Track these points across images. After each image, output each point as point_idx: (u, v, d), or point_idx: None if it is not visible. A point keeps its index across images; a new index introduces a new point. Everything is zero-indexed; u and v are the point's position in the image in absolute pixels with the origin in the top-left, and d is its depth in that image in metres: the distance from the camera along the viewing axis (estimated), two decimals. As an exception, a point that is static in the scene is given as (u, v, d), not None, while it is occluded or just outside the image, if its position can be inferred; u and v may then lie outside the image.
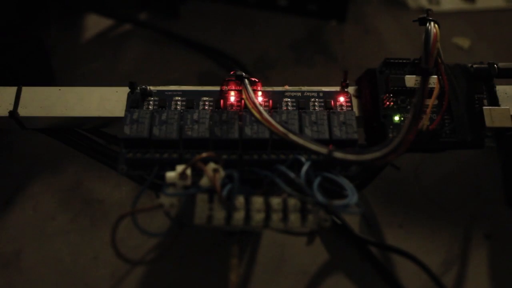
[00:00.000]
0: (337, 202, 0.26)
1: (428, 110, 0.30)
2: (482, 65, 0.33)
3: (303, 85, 0.33)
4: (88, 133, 0.34)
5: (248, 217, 0.26)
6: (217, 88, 0.32)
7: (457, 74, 0.33)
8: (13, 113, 0.32)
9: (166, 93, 0.32)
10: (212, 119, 0.30)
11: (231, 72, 0.31)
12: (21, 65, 0.41)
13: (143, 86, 0.32)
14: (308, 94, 0.33)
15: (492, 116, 0.31)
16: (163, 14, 0.51)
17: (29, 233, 0.34)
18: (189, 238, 0.33)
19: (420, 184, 0.37)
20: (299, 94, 0.33)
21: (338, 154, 0.27)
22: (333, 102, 0.32)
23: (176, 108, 0.31)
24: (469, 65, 0.33)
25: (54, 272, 0.32)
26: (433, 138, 0.31)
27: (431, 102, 0.30)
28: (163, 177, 0.27)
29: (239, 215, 0.26)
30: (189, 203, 0.27)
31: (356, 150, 0.28)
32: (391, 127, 0.31)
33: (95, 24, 0.50)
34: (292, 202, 0.26)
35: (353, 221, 0.34)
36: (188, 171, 0.27)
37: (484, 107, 0.32)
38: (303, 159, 0.28)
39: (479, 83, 0.33)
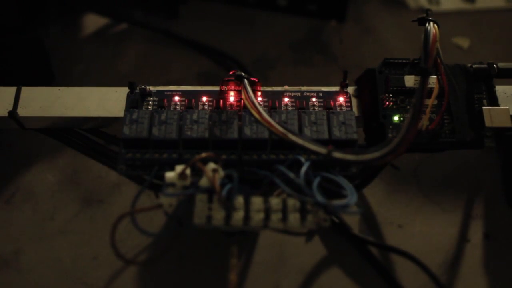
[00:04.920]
0: (337, 202, 0.26)
1: (428, 110, 0.30)
2: (482, 65, 0.33)
3: (303, 85, 0.33)
4: (88, 133, 0.34)
5: (247, 217, 0.26)
6: (217, 88, 0.32)
7: (456, 74, 0.33)
8: (13, 113, 0.32)
9: (165, 93, 0.32)
10: (212, 119, 0.30)
11: (230, 72, 0.31)
12: (21, 65, 0.41)
13: (143, 86, 0.32)
14: (307, 94, 0.33)
15: (492, 116, 0.31)
16: (163, 14, 0.51)
17: (29, 233, 0.34)
18: (188, 238, 0.33)
19: (420, 184, 0.37)
20: (299, 94, 0.33)
21: (338, 154, 0.27)
22: (333, 102, 0.32)
23: (175, 108, 0.31)
24: (469, 65, 0.33)
25: (53, 272, 0.32)
26: (433, 138, 0.31)
27: (430, 102, 0.30)
28: (162, 177, 0.27)
29: (238, 215, 0.26)
30: (189, 203, 0.27)
31: (356, 150, 0.28)
32: (390, 127, 0.31)
33: (95, 24, 0.50)
34: (292, 202, 0.26)
35: (352, 221, 0.34)
36: (188, 171, 0.27)
37: (484, 107, 0.32)
38: (302, 159, 0.28)
39: (479, 83, 0.33)
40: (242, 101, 0.31)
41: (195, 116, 0.30)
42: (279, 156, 0.29)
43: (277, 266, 0.33)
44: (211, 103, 0.32)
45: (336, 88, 0.33)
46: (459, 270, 0.33)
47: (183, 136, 0.29)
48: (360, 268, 0.32)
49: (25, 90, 0.33)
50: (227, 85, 0.32)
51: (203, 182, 0.27)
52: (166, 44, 0.48)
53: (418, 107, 0.26)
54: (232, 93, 0.31)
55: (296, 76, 0.46)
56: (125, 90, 0.32)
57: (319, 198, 0.26)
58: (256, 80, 0.31)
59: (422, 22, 0.29)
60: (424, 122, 0.30)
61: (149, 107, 0.31)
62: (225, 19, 0.51)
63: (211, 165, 0.27)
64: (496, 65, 0.33)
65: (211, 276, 0.32)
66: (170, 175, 0.27)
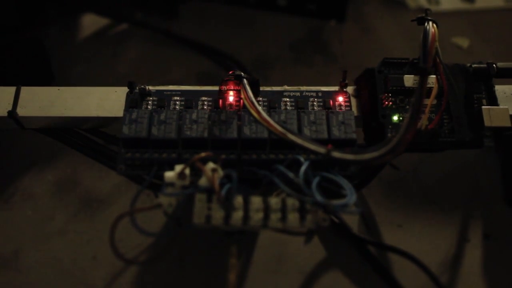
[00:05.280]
0: (336, 202, 0.26)
1: (427, 110, 0.30)
2: (481, 65, 0.33)
3: (302, 85, 0.33)
4: (87, 133, 0.34)
5: (246, 217, 0.26)
6: (216, 88, 0.32)
7: (456, 74, 0.33)
8: (12, 113, 0.32)
9: (165, 93, 0.32)
10: (211, 119, 0.30)
11: (230, 72, 0.31)
12: (20, 65, 0.41)
13: (142, 86, 0.32)
14: (307, 94, 0.33)
15: (491, 116, 0.31)
16: (163, 14, 0.51)
17: (28, 233, 0.34)
18: (188, 238, 0.33)
19: (419, 184, 0.37)
20: (298, 94, 0.33)
21: (337, 154, 0.27)
22: (332, 101, 0.32)
23: (175, 108, 0.31)
24: (468, 64, 0.33)
25: (53, 272, 0.32)
26: (432, 138, 0.31)
27: (429, 101, 0.30)
28: (162, 177, 0.27)
29: (237, 215, 0.26)
30: (188, 203, 0.27)
31: (355, 150, 0.28)
32: (390, 126, 0.31)
33: (94, 24, 0.50)
34: (291, 201, 0.26)
35: (352, 221, 0.34)
36: (187, 171, 0.27)
37: (483, 106, 0.32)
38: (301, 158, 0.28)
39: (478, 83, 0.33)
40: (242, 100, 0.31)
41: (194, 116, 0.30)
42: (278, 155, 0.29)
43: (276, 266, 0.33)
44: (210, 103, 0.32)
45: (335, 88, 0.33)
46: (459, 270, 0.33)
47: (182, 136, 0.29)
48: (359, 268, 0.32)
49: (24, 90, 0.33)
50: (226, 84, 0.32)
51: (203, 181, 0.27)
52: (166, 44, 0.48)
53: (417, 107, 0.26)
54: (231, 92, 0.31)
55: (295, 76, 0.46)
56: (124, 90, 0.32)
57: (318, 197, 0.26)
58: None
59: (421, 21, 0.29)
60: (423, 121, 0.30)
61: (149, 107, 0.31)
62: (225, 19, 0.51)
63: (211, 165, 0.27)
64: (495, 64, 0.33)
65: (210, 276, 0.32)
66: (169, 174, 0.27)
